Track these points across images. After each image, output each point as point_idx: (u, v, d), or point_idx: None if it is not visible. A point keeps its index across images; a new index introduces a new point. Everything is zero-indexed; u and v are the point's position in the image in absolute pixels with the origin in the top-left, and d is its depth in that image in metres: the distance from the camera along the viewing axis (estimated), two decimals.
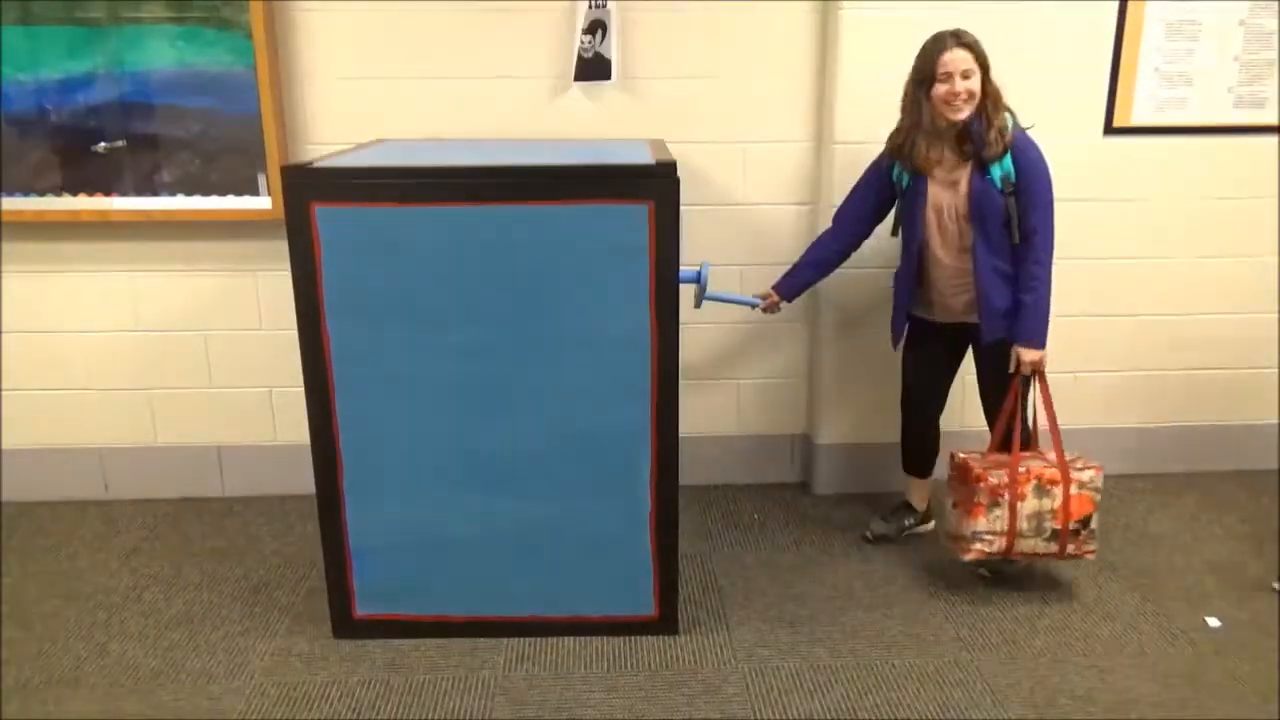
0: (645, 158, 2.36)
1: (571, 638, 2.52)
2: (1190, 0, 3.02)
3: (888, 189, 2.72)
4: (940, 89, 2.49)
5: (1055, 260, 3.09)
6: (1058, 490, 2.56)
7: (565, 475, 2.40)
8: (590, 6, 2.95)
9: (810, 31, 3.03)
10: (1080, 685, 2.35)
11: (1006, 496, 2.56)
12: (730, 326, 3.29)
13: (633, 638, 2.53)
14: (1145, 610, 2.66)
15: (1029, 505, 2.56)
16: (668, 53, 3.02)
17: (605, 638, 2.53)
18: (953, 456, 2.73)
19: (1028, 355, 2.60)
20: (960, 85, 2.47)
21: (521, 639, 2.52)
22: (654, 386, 2.33)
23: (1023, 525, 2.57)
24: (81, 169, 2.98)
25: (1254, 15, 3.05)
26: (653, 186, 2.20)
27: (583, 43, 2.98)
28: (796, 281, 2.89)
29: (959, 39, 2.49)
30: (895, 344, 2.89)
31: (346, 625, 2.52)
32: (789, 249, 3.17)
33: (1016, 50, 3.00)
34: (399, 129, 3.04)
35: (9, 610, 2.68)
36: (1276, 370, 3.40)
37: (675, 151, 2.49)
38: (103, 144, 2.97)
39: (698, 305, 2.75)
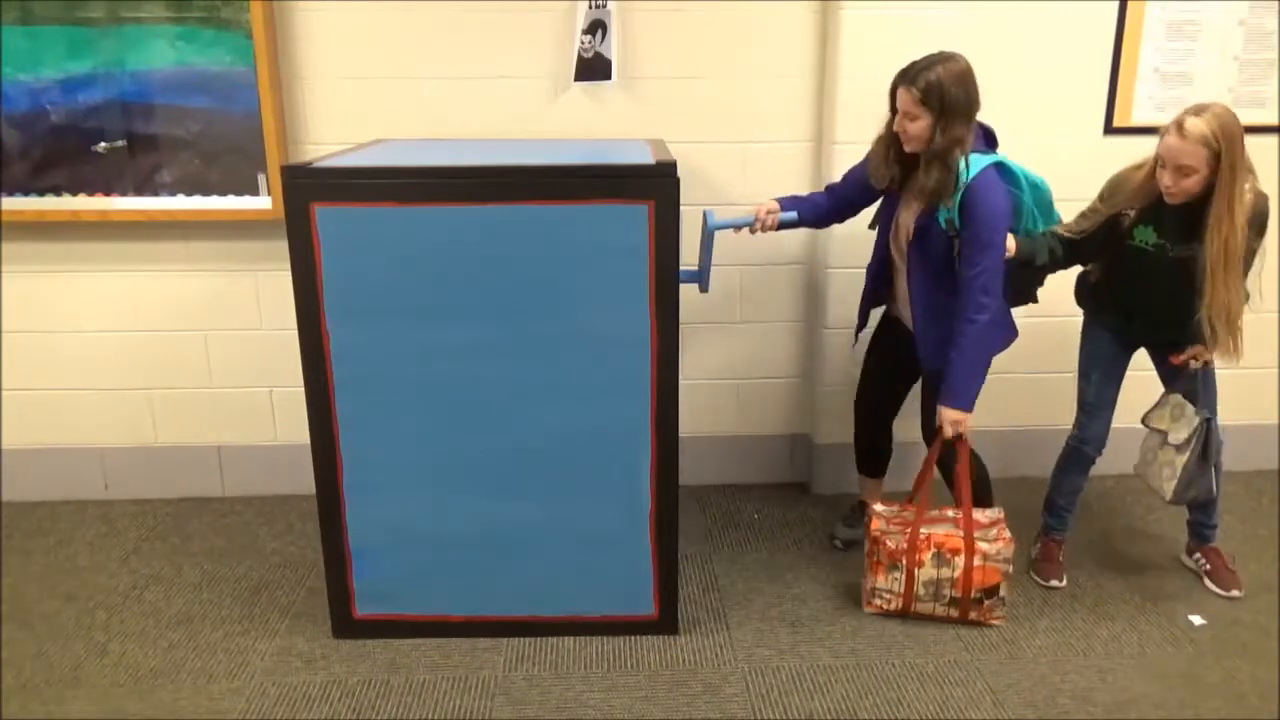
0: (645, 158, 2.36)
1: (571, 638, 2.52)
2: (1190, 0, 3.02)
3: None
4: (894, 120, 2.43)
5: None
6: (959, 560, 2.49)
7: (565, 475, 2.40)
8: (590, 6, 2.94)
9: (810, 31, 3.03)
10: (1080, 685, 2.35)
11: (904, 562, 2.53)
12: (730, 326, 3.29)
13: (633, 638, 2.53)
14: (1145, 610, 2.66)
15: (926, 573, 2.52)
16: (668, 53, 3.02)
17: (605, 638, 2.53)
18: (865, 506, 2.67)
19: (949, 415, 2.48)
20: (899, 123, 2.39)
21: (521, 639, 2.52)
22: (654, 386, 2.33)
23: (920, 590, 2.54)
24: (81, 169, 2.98)
25: (1254, 15, 3.05)
26: (653, 186, 2.20)
27: (583, 43, 2.97)
28: (797, 206, 2.65)
29: (908, 79, 2.34)
30: (855, 339, 2.82)
31: (346, 625, 2.52)
32: (789, 249, 3.18)
33: (1017, 50, 3.01)
34: (399, 129, 3.04)
35: (9, 610, 2.68)
36: (1276, 370, 3.40)
37: (675, 151, 2.48)
38: (103, 144, 2.97)
39: (704, 290, 2.62)
